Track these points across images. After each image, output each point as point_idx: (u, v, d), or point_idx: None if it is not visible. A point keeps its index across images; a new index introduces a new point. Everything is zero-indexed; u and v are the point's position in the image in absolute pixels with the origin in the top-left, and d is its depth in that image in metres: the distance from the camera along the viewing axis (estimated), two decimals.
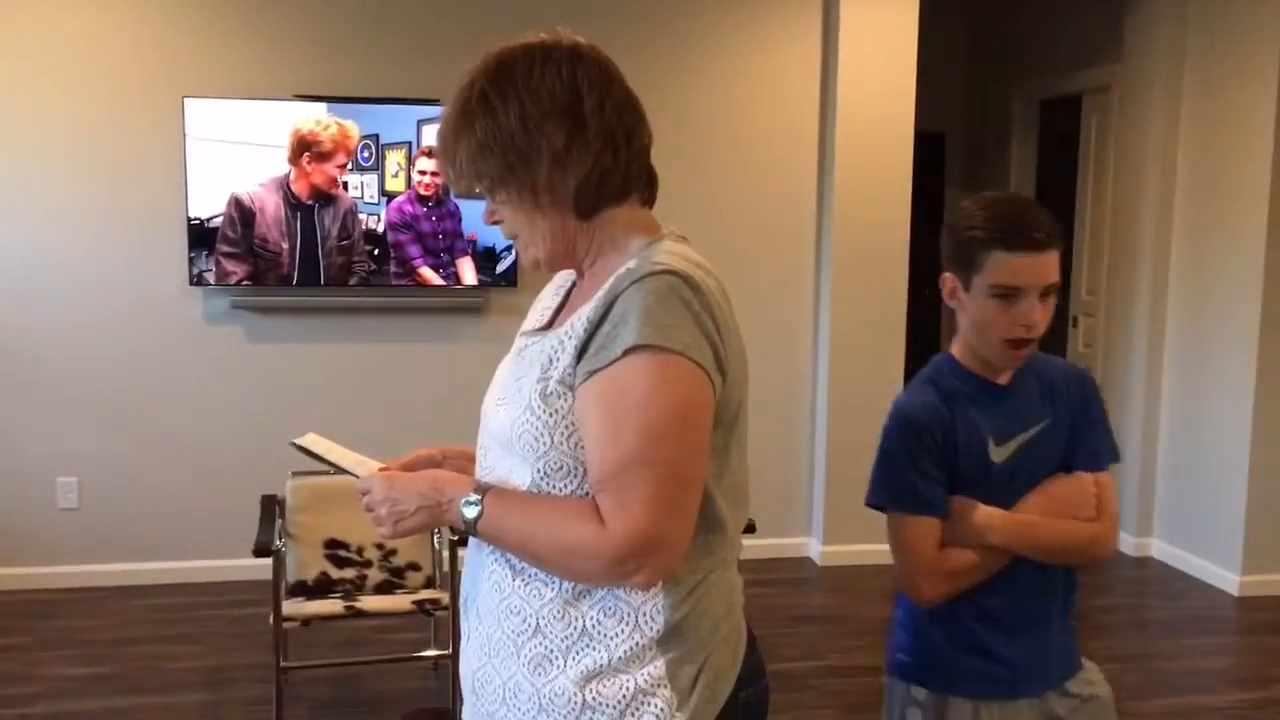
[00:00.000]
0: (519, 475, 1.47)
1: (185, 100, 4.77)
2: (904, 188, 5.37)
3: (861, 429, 5.40)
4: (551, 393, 1.43)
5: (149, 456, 5.03)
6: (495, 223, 1.55)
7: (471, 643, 1.57)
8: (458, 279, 5.08)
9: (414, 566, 3.84)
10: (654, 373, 1.36)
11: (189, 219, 4.82)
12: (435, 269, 5.05)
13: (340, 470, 1.63)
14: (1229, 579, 5.15)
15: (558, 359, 1.44)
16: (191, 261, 4.85)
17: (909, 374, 5.59)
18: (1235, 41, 5.14)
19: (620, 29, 5.20)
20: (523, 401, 1.46)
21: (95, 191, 4.87)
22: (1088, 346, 6.41)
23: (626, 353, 1.37)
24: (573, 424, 1.42)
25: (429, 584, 3.84)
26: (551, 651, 1.46)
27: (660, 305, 1.37)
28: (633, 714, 1.43)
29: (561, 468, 1.44)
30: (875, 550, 5.47)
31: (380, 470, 1.60)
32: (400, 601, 3.70)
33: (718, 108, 5.34)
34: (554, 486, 1.45)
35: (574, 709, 1.44)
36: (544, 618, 1.47)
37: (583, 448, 1.42)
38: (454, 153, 1.49)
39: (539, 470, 1.45)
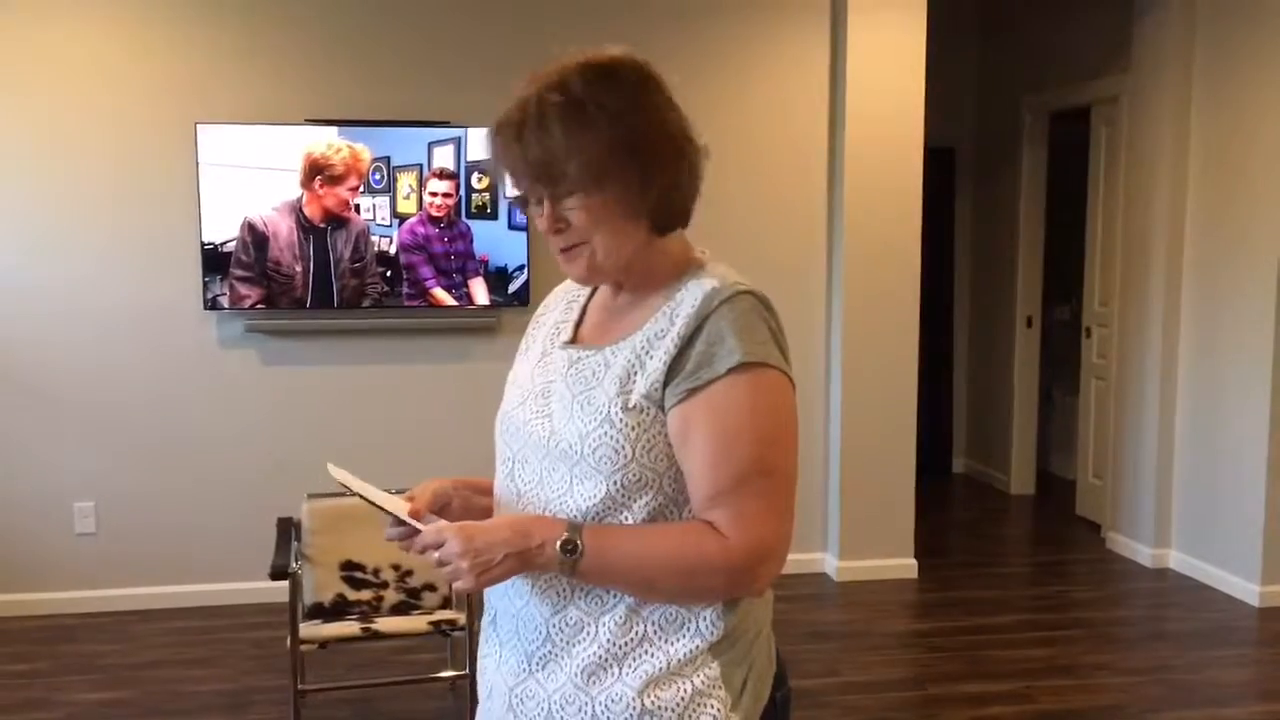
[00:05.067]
0: (587, 488, 1.47)
1: (198, 126, 4.80)
2: (914, 202, 5.37)
3: (876, 443, 5.44)
4: (634, 406, 1.46)
5: (165, 480, 5.05)
6: (559, 229, 1.50)
7: (507, 658, 1.56)
8: (470, 299, 5.10)
9: (430, 587, 3.84)
10: (759, 388, 1.43)
11: (203, 244, 4.85)
12: (448, 290, 5.07)
13: (380, 509, 1.56)
14: (1249, 589, 5.12)
15: (637, 373, 1.47)
16: (205, 285, 4.88)
17: (921, 389, 5.59)
18: (1245, 50, 5.13)
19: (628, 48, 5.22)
20: (598, 414, 1.47)
21: (110, 217, 4.91)
22: (1101, 357, 6.39)
23: (730, 371, 1.42)
24: (654, 437, 1.45)
25: (445, 605, 3.84)
26: (608, 660, 1.48)
27: (750, 325, 1.45)
28: (690, 716, 1.46)
29: (640, 480, 1.46)
30: (891, 565, 5.49)
31: (408, 502, 1.56)
32: (417, 622, 3.70)
33: (727, 124, 5.35)
34: (630, 498, 1.46)
35: (631, 715, 1.46)
36: (605, 626, 1.48)
37: (661, 460, 1.46)
38: (551, 148, 1.43)
39: (616, 483, 1.46)
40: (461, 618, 3.68)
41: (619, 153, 1.44)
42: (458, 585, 1.45)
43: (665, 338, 1.46)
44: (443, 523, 1.53)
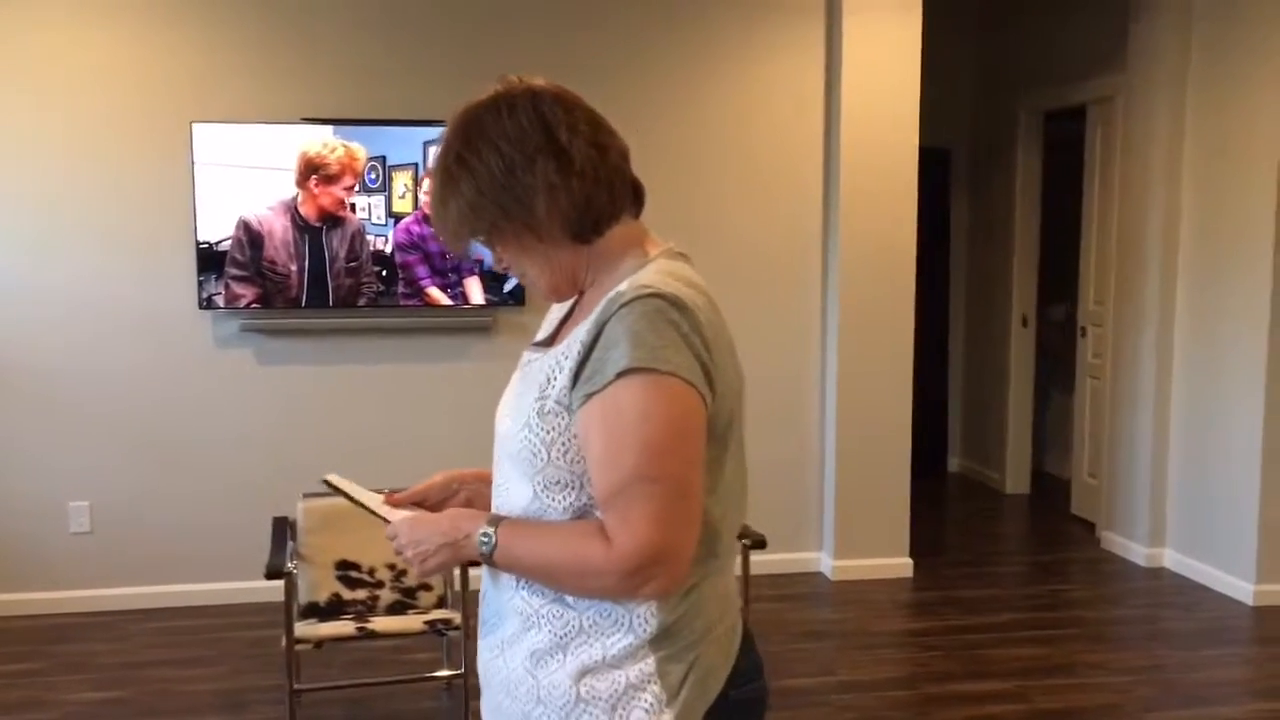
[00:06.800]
0: (522, 488, 1.55)
1: (193, 125, 4.80)
2: (910, 203, 5.37)
3: (871, 443, 5.44)
4: (549, 411, 1.50)
5: (160, 480, 5.05)
6: (505, 268, 1.64)
7: (485, 638, 1.66)
8: (465, 299, 5.10)
9: (425, 587, 3.84)
10: (647, 393, 1.43)
11: (198, 243, 4.85)
12: (443, 289, 5.07)
13: (370, 512, 1.70)
14: (1244, 588, 5.13)
15: (554, 379, 1.51)
16: (201, 285, 4.87)
17: (917, 389, 5.60)
18: (1240, 50, 5.14)
19: (624, 50, 5.23)
20: (523, 418, 1.53)
21: (105, 217, 4.90)
22: (1096, 356, 6.40)
23: (619, 375, 1.43)
24: (569, 440, 1.49)
25: (441, 604, 3.85)
26: (551, 648, 1.54)
27: (649, 327, 1.43)
28: (623, 708, 1.50)
29: (559, 481, 1.51)
30: (887, 564, 5.50)
31: (387, 497, 1.70)
32: (412, 622, 3.70)
33: (723, 125, 5.36)
34: (553, 499, 1.52)
35: (569, 702, 1.52)
36: (544, 616, 1.54)
37: (579, 462, 1.49)
38: (445, 217, 1.57)
39: (538, 483, 1.52)
40: (457, 617, 3.68)
41: (485, 195, 1.52)
42: (411, 571, 1.61)
43: (577, 343, 1.50)
44: (406, 515, 1.67)
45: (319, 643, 3.59)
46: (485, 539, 1.52)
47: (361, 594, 3.80)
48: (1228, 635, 4.78)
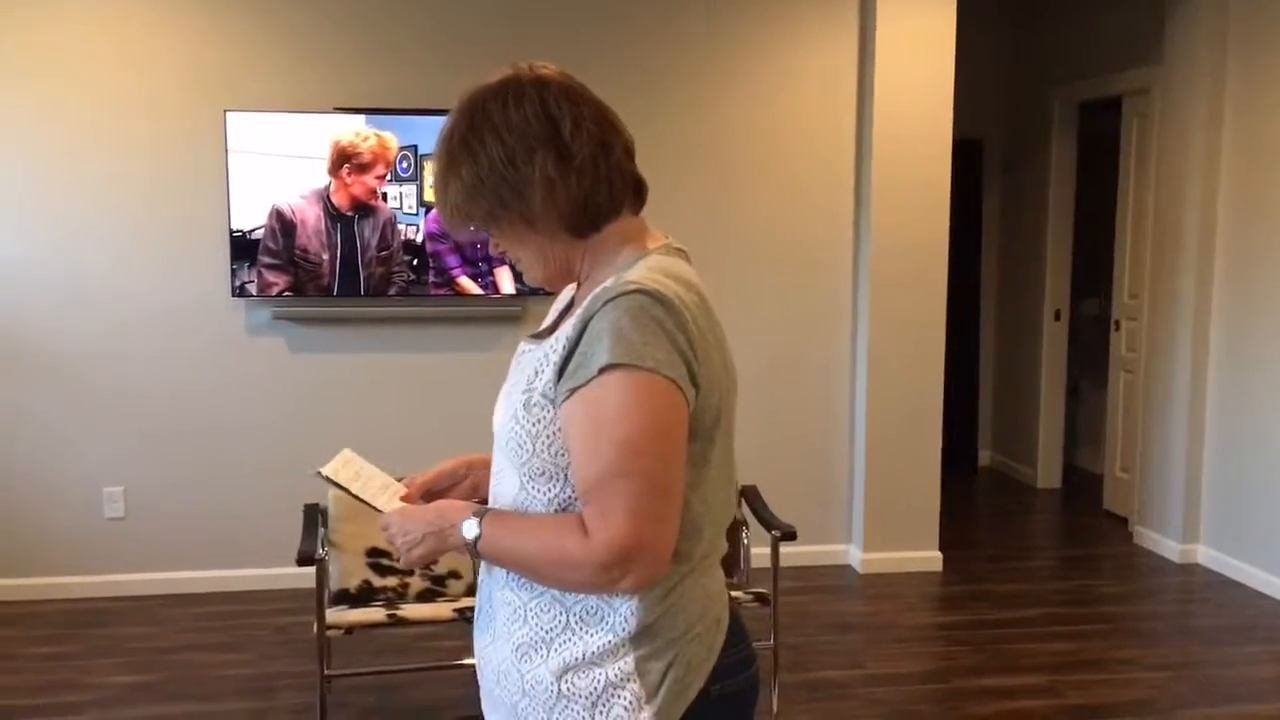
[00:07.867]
0: (511, 478, 1.57)
1: (227, 114, 4.83)
2: (942, 195, 5.33)
3: (901, 435, 5.42)
4: (535, 403, 1.51)
5: (193, 466, 5.09)
6: (502, 254, 1.65)
7: (479, 627, 1.68)
8: (496, 288, 5.11)
9: (455, 575, 3.86)
10: (628, 389, 1.43)
11: (231, 231, 4.88)
12: (474, 278, 5.08)
13: (362, 502, 1.74)
14: (1278, 585, 5.08)
15: (541, 372, 1.52)
16: (234, 273, 4.90)
17: (948, 380, 5.57)
18: (1277, 41, 5.07)
19: (656, 41, 5.21)
20: (511, 409, 1.55)
21: (139, 204, 4.94)
22: (1130, 351, 6.34)
23: (601, 371, 1.44)
24: (554, 433, 1.50)
25: (470, 592, 3.86)
26: (536, 641, 1.56)
27: (633, 324, 1.44)
28: (603, 705, 1.52)
29: (544, 473, 1.53)
30: (916, 557, 5.48)
31: (407, 481, 1.74)
32: (442, 609, 3.71)
33: (754, 117, 5.34)
34: (538, 489, 1.54)
35: (550, 697, 1.54)
36: (532, 610, 1.56)
37: (563, 455, 1.50)
38: (445, 198, 1.58)
39: (524, 474, 1.54)
40: None
41: (484, 182, 1.53)
42: (400, 559, 1.63)
43: (564, 338, 1.51)
44: (398, 490, 1.74)
45: (349, 629, 3.61)
46: (471, 529, 1.55)
47: (392, 581, 3.82)
48: (1262, 632, 4.73)
